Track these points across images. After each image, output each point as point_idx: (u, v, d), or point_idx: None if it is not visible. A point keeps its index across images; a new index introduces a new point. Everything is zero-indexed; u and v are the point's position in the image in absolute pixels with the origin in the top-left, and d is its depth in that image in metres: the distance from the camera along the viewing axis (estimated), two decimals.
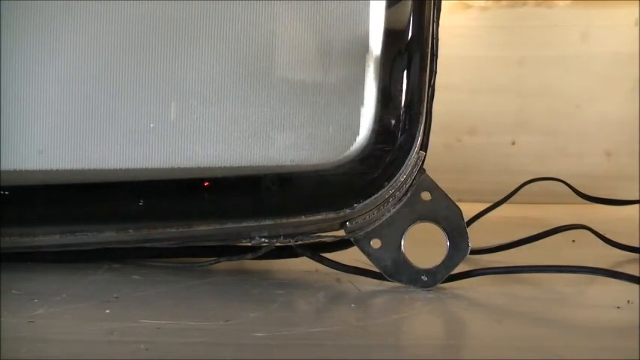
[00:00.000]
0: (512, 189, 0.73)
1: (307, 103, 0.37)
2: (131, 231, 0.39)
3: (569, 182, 0.76)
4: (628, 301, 0.38)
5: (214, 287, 0.40)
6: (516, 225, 0.46)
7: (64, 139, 0.38)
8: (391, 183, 0.36)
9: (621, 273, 0.39)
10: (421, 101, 0.36)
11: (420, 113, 0.36)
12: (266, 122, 0.37)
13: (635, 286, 0.38)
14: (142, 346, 0.28)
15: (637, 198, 0.70)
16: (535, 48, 0.89)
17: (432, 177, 0.39)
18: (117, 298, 0.36)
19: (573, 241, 0.54)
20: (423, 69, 0.37)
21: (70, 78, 0.38)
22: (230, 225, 0.38)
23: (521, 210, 0.62)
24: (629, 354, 0.29)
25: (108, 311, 0.33)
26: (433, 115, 0.39)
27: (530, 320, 0.35)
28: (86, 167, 0.38)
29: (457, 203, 0.40)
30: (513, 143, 0.88)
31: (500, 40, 0.90)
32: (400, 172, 0.36)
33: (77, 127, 0.38)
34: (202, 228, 0.39)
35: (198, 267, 0.43)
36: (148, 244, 0.42)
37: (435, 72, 0.39)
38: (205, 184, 0.39)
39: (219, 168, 0.38)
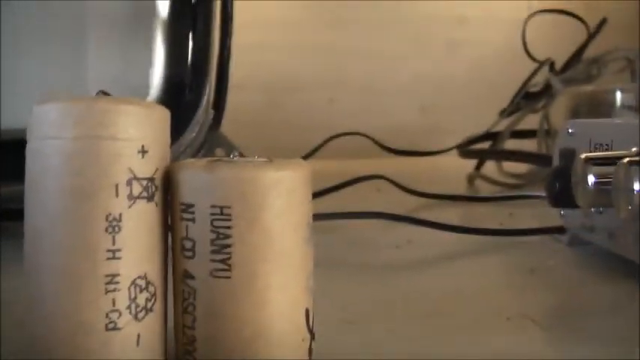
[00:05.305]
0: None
1: (99, 67, 0.38)
2: None
3: (386, 137, 0.81)
4: (408, 241, 0.41)
5: None
6: (321, 179, 0.49)
7: None
8: (180, 140, 0.38)
9: (403, 216, 0.43)
10: (207, 61, 0.38)
11: (207, 73, 0.38)
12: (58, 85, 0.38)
13: (416, 228, 0.42)
14: None
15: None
16: (352, 10, 0.92)
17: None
18: None
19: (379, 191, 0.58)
20: (208, 30, 0.39)
21: None
22: None
23: (328, 165, 0.65)
24: (409, 292, 0.32)
25: None
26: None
27: (327, 266, 0.37)
28: None
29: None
30: (331, 101, 0.92)
31: (317, 1, 0.93)
32: (189, 129, 0.38)
33: None
34: None
35: None
36: None
37: (231, 34, 0.42)
38: None
39: None
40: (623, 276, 0.32)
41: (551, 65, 0.67)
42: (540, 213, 0.47)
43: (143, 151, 0.20)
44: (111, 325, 0.20)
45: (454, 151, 0.70)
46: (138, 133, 0.20)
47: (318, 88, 0.92)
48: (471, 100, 0.93)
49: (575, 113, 0.60)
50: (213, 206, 0.20)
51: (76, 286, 0.20)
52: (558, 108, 0.64)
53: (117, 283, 0.20)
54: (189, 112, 0.38)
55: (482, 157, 0.67)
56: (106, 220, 0.20)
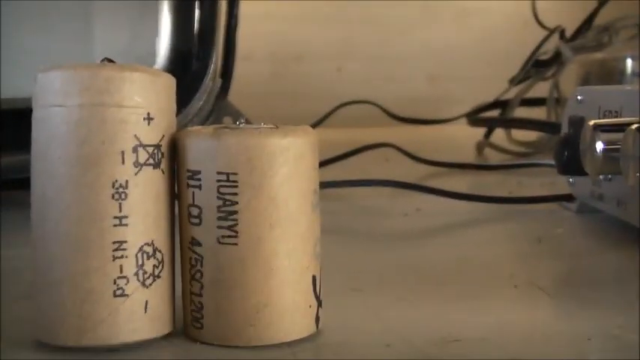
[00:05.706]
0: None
1: (105, 37, 0.38)
2: None
3: (394, 106, 0.80)
4: (417, 210, 0.41)
5: None
6: (329, 147, 0.49)
7: None
8: (188, 108, 0.38)
9: (411, 184, 0.43)
10: (214, 30, 0.38)
11: (213, 42, 0.38)
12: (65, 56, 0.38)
13: (424, 196, 0.42)
14: None
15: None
16: None
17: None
18: None
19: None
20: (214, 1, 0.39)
21: None
22: None
23: (336, 133, 0.65)
24: (417, 260, 0.32)
25: None
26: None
27: (334, 233, 0.37)
28: None
29: None
30: (339, 70, 0.91)
31: None
32: (196, 97, 0.38)
33: None
34: None
35: None
36: None
37: (238, 3, 0.41)
38: None
39: None
40: (631, 244, 0.32)
41: (562, 33, 0.67)
42: (549, 181, 0.47)
43: (149, 118, 0.20)
44: (119, 292, 0.20)
45: (463, 120, 0.70)
46: (143, 101, 0.20)
47: (326, 58, 0.91)
48: (480, 69, 0.92)
49: (585, 81, 0.60)
50: (219, 173, 0.20)
51: (84, 253, 0.20)
52: (568, 76, 0.63)
53: (124, 249, 0.20)
54: (197, 80, 0.38)
55: (491, 125, 0.66)
56: (113, 187, 0.20)
